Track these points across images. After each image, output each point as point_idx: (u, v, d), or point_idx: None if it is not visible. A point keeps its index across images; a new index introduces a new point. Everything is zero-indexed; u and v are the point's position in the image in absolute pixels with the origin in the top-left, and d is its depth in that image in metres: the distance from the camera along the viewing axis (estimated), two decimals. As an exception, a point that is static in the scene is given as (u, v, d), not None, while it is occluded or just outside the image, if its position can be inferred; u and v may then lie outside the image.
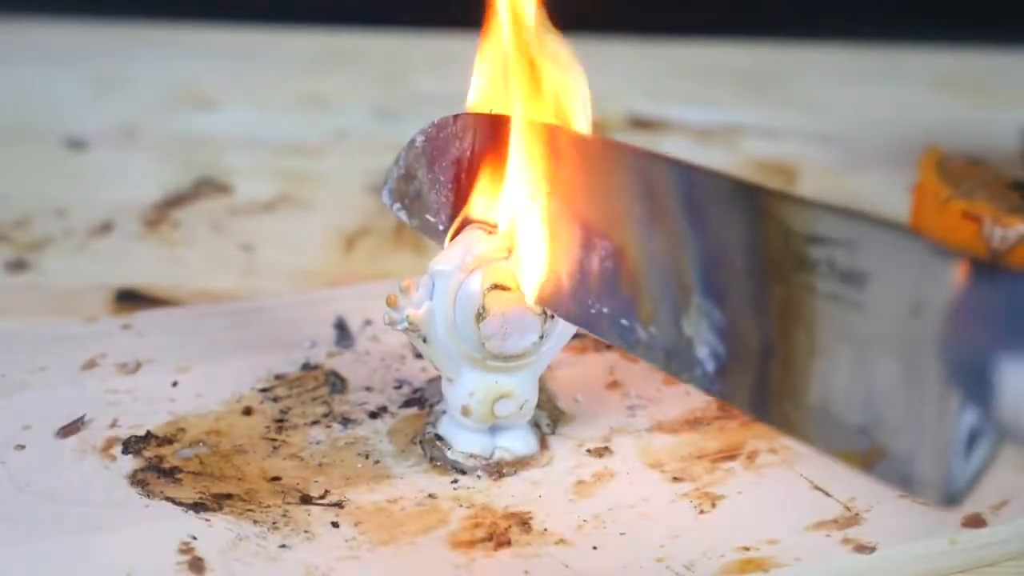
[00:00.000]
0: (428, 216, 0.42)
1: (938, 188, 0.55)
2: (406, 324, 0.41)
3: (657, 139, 0.73)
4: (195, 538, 0.39)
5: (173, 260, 0.59)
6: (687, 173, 0.35)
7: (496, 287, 0.40)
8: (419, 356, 0.45)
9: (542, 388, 0.44)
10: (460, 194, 0.42)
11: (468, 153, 0.41)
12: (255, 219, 0.63)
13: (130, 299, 0.55)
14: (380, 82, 0.79)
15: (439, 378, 0.43)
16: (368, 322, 0.50)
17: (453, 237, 0.41)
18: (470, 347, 0.41)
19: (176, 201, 0.65)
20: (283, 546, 0.39)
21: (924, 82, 0.81)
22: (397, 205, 0.43)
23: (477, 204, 0.41)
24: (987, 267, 0.28)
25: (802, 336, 0.32)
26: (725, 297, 0.34)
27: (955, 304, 0.28)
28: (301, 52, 0.85)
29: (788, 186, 0.68)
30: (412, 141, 0.42)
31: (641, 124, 0.75)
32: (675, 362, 0.36)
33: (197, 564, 0.38)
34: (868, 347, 0.31)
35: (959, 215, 0.54)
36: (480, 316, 0.40)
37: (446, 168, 0.42)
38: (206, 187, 0.66)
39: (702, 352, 0.35)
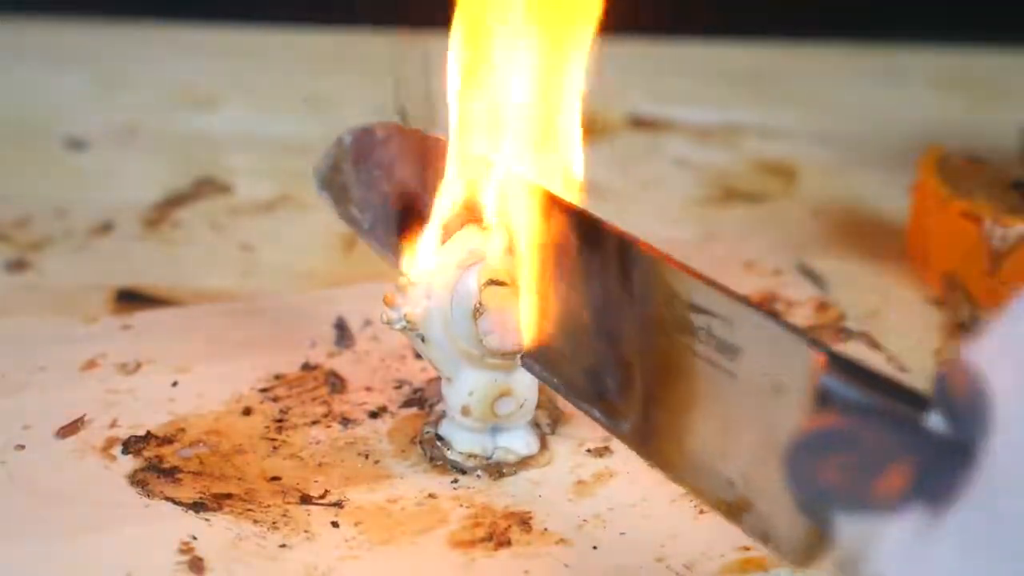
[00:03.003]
0: (352, 209, 0.46)
1: (938, 188, 0.55)
2: (404, 323, 0.41)
3: (657, 139, 0.73)
4: (195, 538, 0.39)
5: (173, 260, 0.59)
6: (593, 223, 0.37)
7: (492, 283, 0.40)
8: (419, 356, 0.45)
9: (542, 388, 0.44)
10: (382, 194, 0.45)
11: (391, 160, 0.45)
12: (255, 219, 0.63)
13: (130, 299, 0.55)
14: (380, 82, 0.79)
15: (439, 378, 0.43)
16: (368, 322, 0.50)
17: (445, 236, 0.41)
18: (468, 344, 0.41)
19: (176, 201, 0.65)
20: (283, 546, 0.39)
21: (924, 82, 0.81)
22: (325, 193, 0.46)
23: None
24: (842, 361, 0.30)
25: (683, 389, 0.35)
26: (616, 342, 0.37)
27: (799, 433, 0.29)
28: (301, 52, 0.85)
29: (788, 186, 0.68)
30: (340, 139, 0.46)
31: (641, 124, 0.75)
32: (576, 395, 0.39)
33: (197, 564, 0.38)
34: (738, 411, 0.33)
35: (959, 215, 0.54)
36: (477, 312, 0.40)
37: (370, 169, 0.45)
38: (206, 187, 0.66)
39: (599, 388, 0.38)
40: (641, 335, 0.36)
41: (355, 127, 0.45)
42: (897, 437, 0.28)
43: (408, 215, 0.44)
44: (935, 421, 0.28)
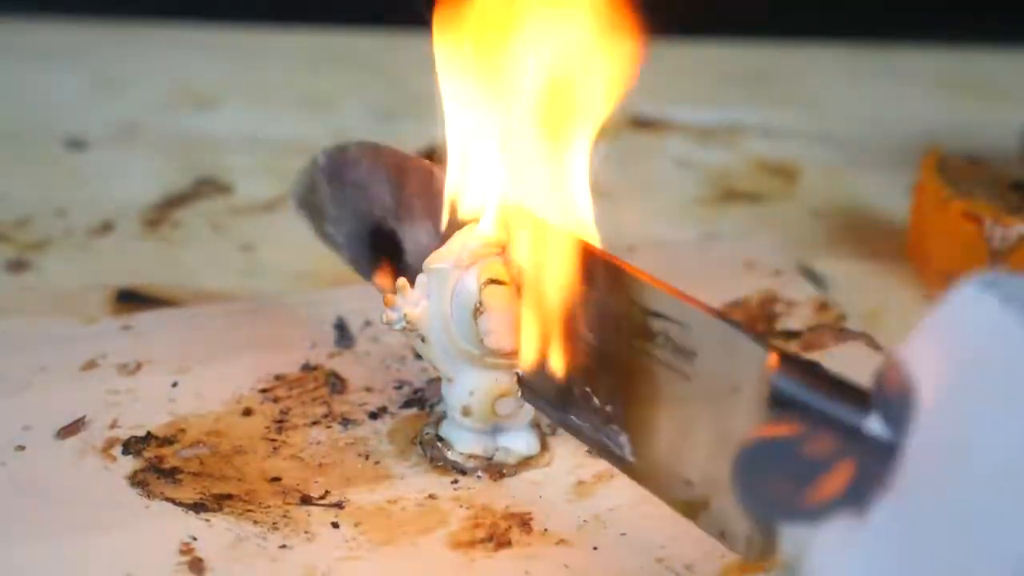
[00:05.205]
0: (328, 227, 0.47)
1: (938, 188, 0.55)
2: (404, 324, 0.41)
3: (657, 139, 0.73)
4: (195, 538, 0.39)
5: (173, 260, 0.59)
6: (577, 245, 0.38)
7: (492, 282, 0.40)
8: (419, 357, 0.45)
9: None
10: (356, 212, 0.46)
11: (365, 178, 0.45)
12: (255, 219, 0.63)
13: (130, 299, 0.55)
14: (380, 82, 0.79)
15: (439, 379, 0.43)
16: (368, 322, 0.50)
17: (445, 237, 0.41)
18: (468, 344, 0.41)
19: (176, 201, 0.65)
20: (283, 546, 0.39)
21: (924, 82, 0.81)
22: (303, 212, 0.48)
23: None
24: (794, 361, 0.31)
25: (643, 393, 0.36)
26: (586, 352, 0.38)
27: (747, 444, 0.29)
28: (301, 52, 0.85)
29: (789, 186, 0.68)
30: (315, 159, 0.46)
31: (641, 124, 0.75)
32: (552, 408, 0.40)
33: (197, 564, 0.38)
34: (695, 413, 0.34)
35: (959, 215, 0.54)
36: (477, 312, 0.40)
37: (344, 188, 0.46)
38: (206, 187, 0.66)
39: (569, 396, 0.39)
40: (604, 342, 0.37)
41: (329, 147, 0.46)
42: (838, 442, 0.28)
43: (381, 233, 0.45)
44: (873, 423, 0.28)
